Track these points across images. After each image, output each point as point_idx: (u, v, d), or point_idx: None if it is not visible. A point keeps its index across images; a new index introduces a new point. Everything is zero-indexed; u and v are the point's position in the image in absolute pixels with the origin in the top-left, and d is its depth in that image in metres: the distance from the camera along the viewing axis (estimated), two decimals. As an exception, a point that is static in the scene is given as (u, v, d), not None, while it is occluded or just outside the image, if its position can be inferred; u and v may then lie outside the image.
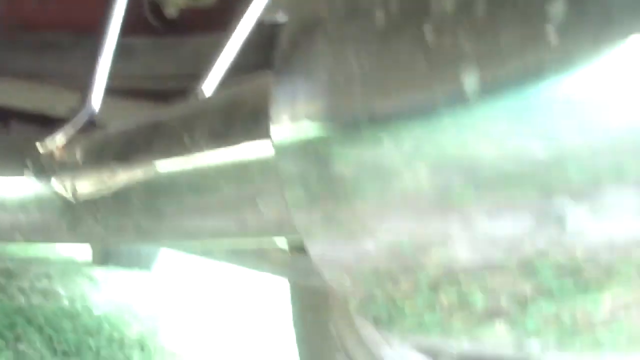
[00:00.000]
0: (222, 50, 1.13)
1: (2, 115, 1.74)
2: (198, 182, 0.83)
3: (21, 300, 2.85)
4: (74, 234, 1.03)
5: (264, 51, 1.57)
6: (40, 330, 2.32)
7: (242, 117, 0.78)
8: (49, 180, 0.99)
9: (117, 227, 0.96)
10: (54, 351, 2.13)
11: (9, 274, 3.40)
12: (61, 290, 3.23)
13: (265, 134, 0.72)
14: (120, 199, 0.93)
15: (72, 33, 1.57)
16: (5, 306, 2.60)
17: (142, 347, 2.39)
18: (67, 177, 0.98)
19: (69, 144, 1.02)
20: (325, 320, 1.94)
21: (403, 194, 0.52)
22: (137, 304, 3.30)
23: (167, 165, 0.85)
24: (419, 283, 0.55)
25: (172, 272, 4.93)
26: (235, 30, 1.15)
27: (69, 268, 4.14)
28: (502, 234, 0.47)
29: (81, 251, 4.98)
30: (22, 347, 2.08)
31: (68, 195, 0.96)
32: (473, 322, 0.54)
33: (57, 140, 1.01)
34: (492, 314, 0.52)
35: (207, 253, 1.61)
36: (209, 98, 0.96)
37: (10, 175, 1.04)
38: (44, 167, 1.00)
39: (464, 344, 0.59)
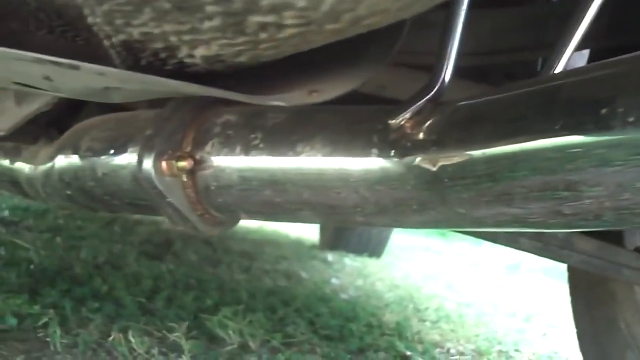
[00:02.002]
0: (572, 21, 1.01)
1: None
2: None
3: (267, 281, 2.87)
4: (429, 215, 0.95)
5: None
6: (299, 313, 2.30)
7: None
8: (403, 156, 0.92)
9: (485, 210, 0.87)
10: (318, 335, 2.11)
11: (249, 256, 3.46)
12: (303, 273, 3.24)
13: None
14: (491, 177, 0.83)
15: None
16: (254, 287, 2.61)
17: (400, 335, 2.33)
18: (428, 153, 0.90)
19: (420, 119, 0.94)
20: (614, 316, 1.80)
21: None
22: (380, 289, 3.26)
23: (573, 142, 0.75)
24: None
25: (402, 258, 4.92)
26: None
27: (301, 251, 4.19)
28: None
29: (308, 234, 5.05)
30: (289, 330, 2.07)
31: (435, 171, 0.88)
32: None
33: (408, 115, 0.94)
34: None
35: (511, 242, 1.51)
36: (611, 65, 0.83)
37: (354, 153, 0.97)
38: (397, 144, 0.92)
39: None
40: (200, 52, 0.80)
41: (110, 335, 1.70)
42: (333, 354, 1.95)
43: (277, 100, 0.89)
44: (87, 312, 1.85)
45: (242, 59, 0.82)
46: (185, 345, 1.70)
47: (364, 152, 0.94)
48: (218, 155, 1.08)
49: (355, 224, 1.06)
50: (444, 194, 0.89)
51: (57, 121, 1.48)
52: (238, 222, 1.22)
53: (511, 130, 0.81)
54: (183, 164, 1.07)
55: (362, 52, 0.80)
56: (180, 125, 1.11)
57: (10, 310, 1.72)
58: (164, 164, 1.07)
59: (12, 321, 1.66)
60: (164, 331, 1.83)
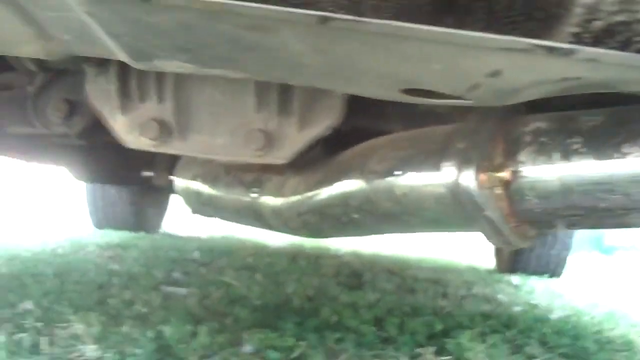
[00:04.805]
0: None
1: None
2: None
3: (473, 305, 2.81)
4: None
5: None
6: (526, 334, 2.23)
7: None
8: None
9: None
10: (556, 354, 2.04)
11: (439, 283, 3.40)
12: (500, 297, 3.17)
13: None
14: None
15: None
16: (467, 312, 2.56)
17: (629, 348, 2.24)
18: None
19: None
20: None
21: None
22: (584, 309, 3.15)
23: None
24: None
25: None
26: None
27: (482, 276, 4.11)
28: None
29: (478, 262, 4.98)
30: (527, 350, 2.01)
31: None
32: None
33: None
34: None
35: None
36: None
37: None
38: None
39: None
40: None
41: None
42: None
43: None
44: (334, 342, 1.85)
45: None
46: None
47: None
48: (533, 164, 1.05)
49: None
50: None
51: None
52: (541, 234, 1.19)
53: None
54: (502, 175, 1.05)
55: None
56: (488, 137, 1.09)
57: (264, 344, 1.74)
58: (483, 176, 1.05)
59: (274, 355, 1.68)
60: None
